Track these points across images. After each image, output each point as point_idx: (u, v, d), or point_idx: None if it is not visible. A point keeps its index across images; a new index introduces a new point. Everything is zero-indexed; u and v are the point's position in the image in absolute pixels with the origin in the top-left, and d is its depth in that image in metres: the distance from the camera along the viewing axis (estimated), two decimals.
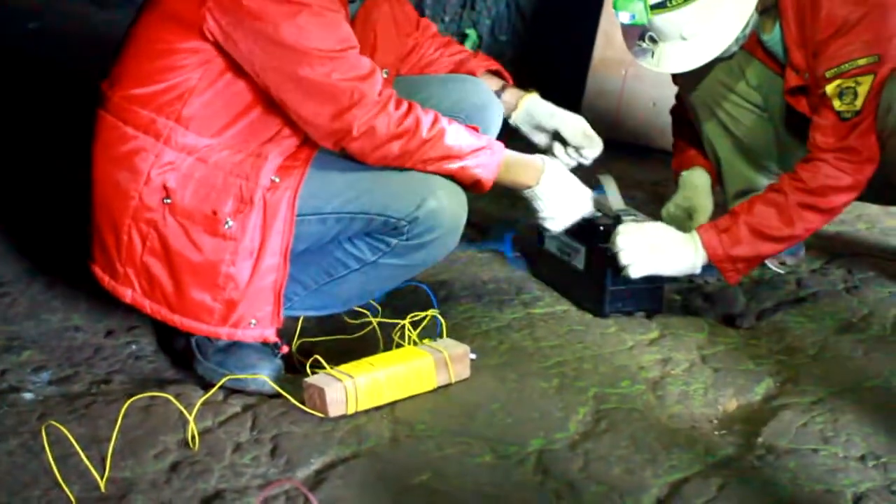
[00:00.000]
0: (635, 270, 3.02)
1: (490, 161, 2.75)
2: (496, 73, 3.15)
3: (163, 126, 2.61)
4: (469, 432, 2.52)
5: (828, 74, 2.99)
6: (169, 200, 2.61)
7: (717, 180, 3.50)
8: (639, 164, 4.39)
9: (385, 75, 2.72)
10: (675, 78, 3.42)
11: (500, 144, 2.80)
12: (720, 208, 3.49)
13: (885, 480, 2.38)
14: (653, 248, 3.02)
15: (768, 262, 3.34)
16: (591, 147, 3.06)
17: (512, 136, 3.08)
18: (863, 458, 2.46)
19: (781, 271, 3.33)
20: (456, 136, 2.72)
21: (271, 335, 2.66)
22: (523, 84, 3.21)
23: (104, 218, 2.67)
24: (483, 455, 2.44)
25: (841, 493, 2.34)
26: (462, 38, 4.68)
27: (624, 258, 3.00)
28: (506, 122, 3.11)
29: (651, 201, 3.45)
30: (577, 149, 3.05)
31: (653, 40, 3.08)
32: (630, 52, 3.20)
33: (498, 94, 3.10)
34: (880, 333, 3.07)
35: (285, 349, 2.72)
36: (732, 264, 3.04)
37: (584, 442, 2.50)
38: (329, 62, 2.57)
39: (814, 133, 3.05)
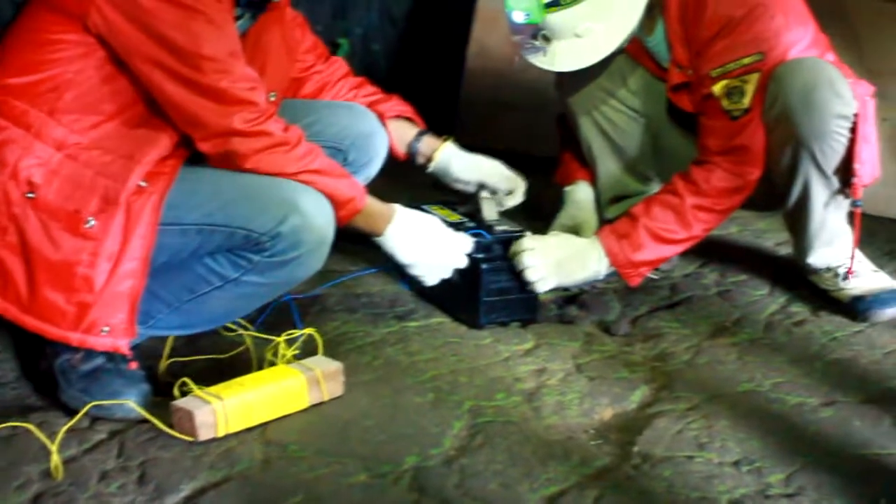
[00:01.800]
0: (543, 286, 3.03)
1: (360, 188, 2.77)
2: (410, 118, 3.19)
3: (35, 118, 2.55)
4: (342, 451, 2.48)
5: (713, 74, 3.02)
6: (32, 195, 2.53)
7: (594, 184, 3.50)
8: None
9: (273, 98, 2.71)
10: (557, 82, 3.42)
11: (362, 186, 2.82)
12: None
13: (759, 485, 2.39)
14: (558, 262, 3.03)
15: None
16: (516, 188, 3.17)
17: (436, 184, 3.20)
18: (737, 464, 2.47)
19: (656, 276, 3.33)
20: (331, 162, 2.75)
21: (123, 346, 2.58)
22: (393, 91, 3.24)
23: None
24: (357, 475, 2.40)
25: (716, 499, 2.34)
26: (334, 48, 4.62)
27: (531, 275, 3.01)
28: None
29: (529, 209, 3.44)
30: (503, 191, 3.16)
31: (546, 39, 3.08)
32: (521, 52, 3.18)
33: (414, 142, 3.14)
34: (752, 336, 3.08)
35: (134, 365, 2.63)
36: (635, 269, 3.08)
37: (460, 457, 2.47)
38: (220, 69, 2.56)
39: (704, 135, 3.08)
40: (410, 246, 2.91)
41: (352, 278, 3.30)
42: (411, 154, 3.19)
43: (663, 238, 3.05)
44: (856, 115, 2.98)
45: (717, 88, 3.02)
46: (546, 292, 3.11)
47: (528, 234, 3.10)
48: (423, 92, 4.02)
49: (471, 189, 3.21)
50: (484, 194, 3.20)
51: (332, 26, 4.83)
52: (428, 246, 2.93)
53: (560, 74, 3.37)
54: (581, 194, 3.56)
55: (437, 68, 4.90)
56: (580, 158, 3.52)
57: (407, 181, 3.28)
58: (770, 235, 3.79)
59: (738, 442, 2.55)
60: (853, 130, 2.98)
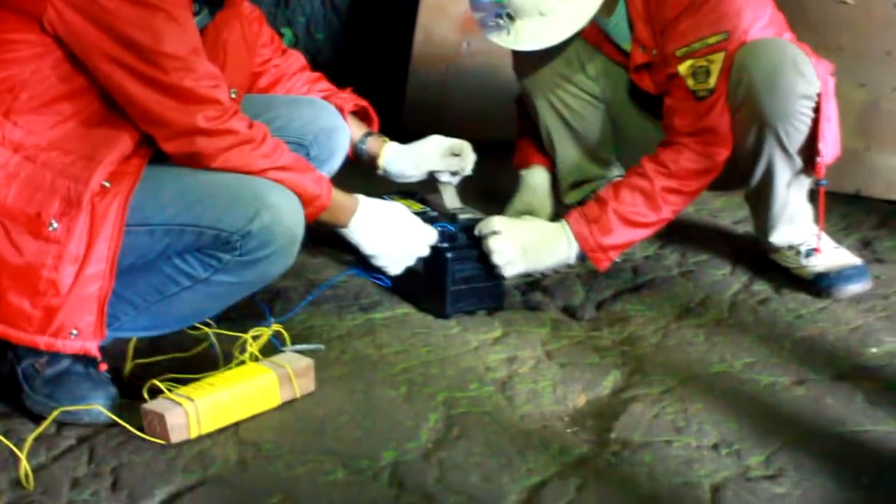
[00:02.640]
0: (510, 270, 3.01)
1: (325, 183, 2.73)
2: (363, 110, 3.20)
3: None
4: (318, 449, 2.44)
5: (678, 53, 3.01)
6: None
7: (550, 169, 3.49)
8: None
9: (234, 95, 2.66)
10: (516, 67, 3.39)
11: (328, 178, 2.79)
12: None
13: (739, 468, 2.39)
14: (525, 247, 3.01)
15: None
16: (464, 156, 3.20)
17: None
18: (716, 447, 2.46)
19: (618, 259, 3.32)
20: (296, 157, 2.71)
21: (93, 348, 2.52)
22: (343, 84, 3.23)
23: None
24: (335, 472, 2.36)
25: (699, 484, 2.33)
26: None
27: (497, 258, 2.98)
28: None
29: (483, 194, 3.42)
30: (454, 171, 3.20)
31: (510, 17, 3.05)
32: (483, 30, 3.15)
33: (359, 144, 3.16)
34: (719, 317, 3.08)
35: (104, 367, 2.58)
36: (605, 253, 3.06)
37: (438, 450, 2.44)
38: (182, 67, 2.51)
39: (670, 116, 3.07)
40: (375, 236, 2.88)
41: (315, 274, 3.26)
42: (357, 155, 3.19)
43: (633, 221, 3.04)
44: (818, 95, 2.98)
45: (683, 68, 3.01)
46: (511, 278, 3.09)
47: (496, 217, 3.07)
48: (368, 81, 3.99)
49: (424, 178, 3.21)
50: (442, 179, 3.19)
51: (274, 15, 4.78)
52: (393, 236, 2.90)
53: (519, 59, 3.34)
54: (536, 179, 3.55)
55: (383, 56, 4.87)
56: (537, 143, 3.51)
57: (366, 172, 3.23)
58: (727, 214, 3.80)
59: (715, 424, 2.54)
60: (816, 110, 2.99)
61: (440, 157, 3.22)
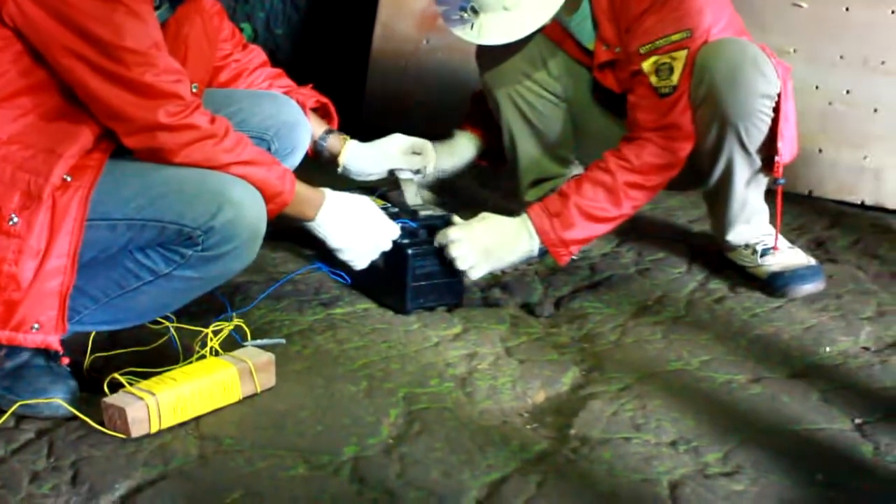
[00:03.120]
0: (475, 273, 3.04)
1: (289, 178, 2.72)
2: (323, 107, 3.19)
3: None
4: (279, 444, 2.44)
5: (642, 50, 3.03)
6: None
7: (513, 168, 3.49)
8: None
9: (195, 90, 2.64)
10: (479, 64, 3.39)
11: (291, 172, 2.77)
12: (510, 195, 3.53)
13: (697, 465, 2.41)
14: (487, 248, 3.02)
15: None
16: (426, 154, 3.23)
17: None
18: (674, 444, 2.49)
19: (576, 256, 3.33)
20: (260, 150, 2.71)
21: (55, 342, 2.51)
22: (302, 81, 3.22)
23: None
24: (296, 467, 2.37)
25: (657, 480, 2.36)
26: None
27: (461, 264, 3.00)
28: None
29: (443, 189, 3.43)
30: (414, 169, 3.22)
31: (474, 11, 3.06)
32: (447, 24, 3.15)
33: (320, 141, 3.16)
34: (675, 315, 3.11)
35: (66, 360, 2.58)
36: (566, 247, 3.07)
37: (399, 446, 2.45)
38: (143, 62, 2.49)
39: (634, 112, 3.09)
40: (342, 230, 2.87)
41: (275, 268, 3.26)
42: (318, 152, 3.19)
43: (595, 216, 3.05)
44: (778, 95, 3.01)
45: (647, 65, 3.03)
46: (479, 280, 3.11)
47: (455, 218, 3.08)
48: (328, 77, 3.98)
49: (385, 176, 3.22)
50: (402, 176, 3.20)
51: (234, 10, 4.76)
52: (360, 229, 2.90)
53: (482, 54, 3.35)
54: (462, 140, 3.54)
55: (342, 52, 4.86)
56: (482, 126, 3.52)
57: (324, 168, 3.23)
58: (682, 213, 3.83)
59: (673, 421, 2.57)
60: (776, 109, 3.02)
61: (402, 155, 3.23)
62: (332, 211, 2.85)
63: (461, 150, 3.49)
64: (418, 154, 3.24)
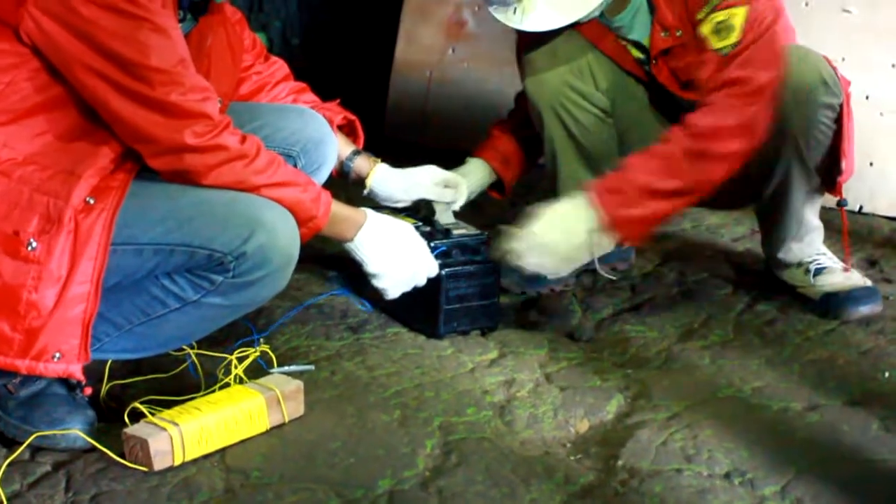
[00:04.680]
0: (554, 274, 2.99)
1: (324, 200, 2.59)
2: (349, 125, 3.07)
3: None
4: (310, 477, 2.32)
5: (700, 16, 2.87)
6: None
7: (551, 183, 3.33)
8: (449, 168, 4.22)
9: (219, 103, 2.51)
10: (524, 76, 3.24)
11: (328, 192, 2.64)
12: None
13: (754, 498, 2.28)
14: (542, 249, 2.83)
15: (598, 269, 3.16)
16: (457, 189, 3.09)
17: None
18: (728, 476, 2.35)
19: (614, 277, 3.20)
20: (294, 170, 2.60)
21: (77, 371, 2.38)
22: (321, 92, 3.11)
23: None
24: (328, 501, 2.24)
25: None
26: None
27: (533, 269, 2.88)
28: None
29: (469, 206, 3.30)
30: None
31: None
32: (488, 7, 3.00)
33: (347, 161, 3.02)
34: (724, 339, 2.97)
35: (88, 391, 2.46)
36: (629, 226, 2.84)
37: (437, 479, 2.32)
38: (169, 81, 2.37)
39: (699, 77, 2.88)
40: (381, 254, 2.74)
41: (299, 290, 3.13)
42: (344, 172, 3.05)
43: (654, 189, 2.81)
44: (841, 108, 2.88)
45: (706, 28, 2.85)
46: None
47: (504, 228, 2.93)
48: (347, 88, 3.86)
49: (410, 205, 3.10)
50: (436, 204, 3.07)
51: (248, 19, 4.65)
52: (400, 255, 2.77)
53: (523, 60, 3.19)
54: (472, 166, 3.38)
55: (362, 63, 4.75)
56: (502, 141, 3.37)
57: (341, 185, 3.08)
58: (725, 231, 3.71)
59: (726, 452, 2.43)
60: (838, 122, 2.90)
61: (433, 186, 3.08)
62: (372, 233, 2.72)
63: (472, 179, 3.34)
64: (450, 188, 3.10)
